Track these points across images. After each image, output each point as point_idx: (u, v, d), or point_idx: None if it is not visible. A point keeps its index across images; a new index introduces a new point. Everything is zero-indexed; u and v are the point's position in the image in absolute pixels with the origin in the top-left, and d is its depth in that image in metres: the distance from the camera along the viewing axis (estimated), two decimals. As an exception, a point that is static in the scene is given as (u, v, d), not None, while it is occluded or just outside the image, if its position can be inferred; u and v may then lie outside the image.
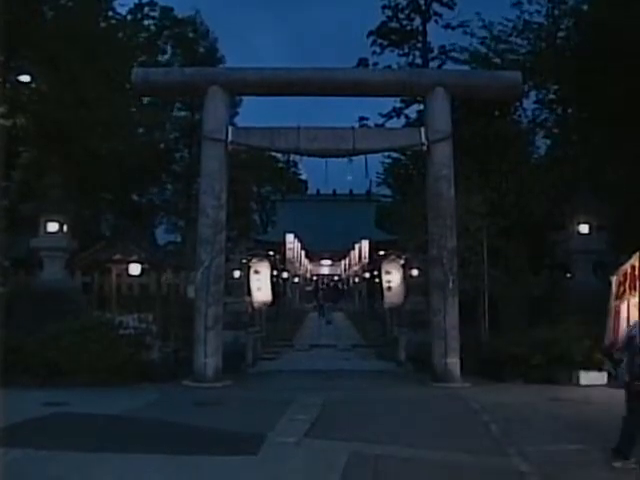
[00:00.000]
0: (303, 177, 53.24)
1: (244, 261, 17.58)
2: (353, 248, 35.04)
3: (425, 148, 12.03)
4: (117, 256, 15.31)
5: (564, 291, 13.49)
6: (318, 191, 46.21)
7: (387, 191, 37.05)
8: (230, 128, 12.20)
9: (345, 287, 43.11)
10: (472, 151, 17.39)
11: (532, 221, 17.02)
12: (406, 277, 17.07)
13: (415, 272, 16.85)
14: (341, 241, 36.98)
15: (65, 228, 13.96)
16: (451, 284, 11.47)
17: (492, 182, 16.54)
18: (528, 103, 20.63)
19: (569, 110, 20.57)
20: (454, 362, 11.36)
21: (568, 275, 14.50)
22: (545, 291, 14.00)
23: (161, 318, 13.23)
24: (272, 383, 12.06)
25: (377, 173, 34.05)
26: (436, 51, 24.55)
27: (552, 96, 20.67)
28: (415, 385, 11.44)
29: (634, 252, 7.39)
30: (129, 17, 25.46)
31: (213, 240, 11.66)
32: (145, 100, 21.74)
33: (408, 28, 25.16)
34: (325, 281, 46.32)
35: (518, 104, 19.89)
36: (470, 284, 12.83)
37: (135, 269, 15.09)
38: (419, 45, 24.92)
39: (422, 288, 15.48)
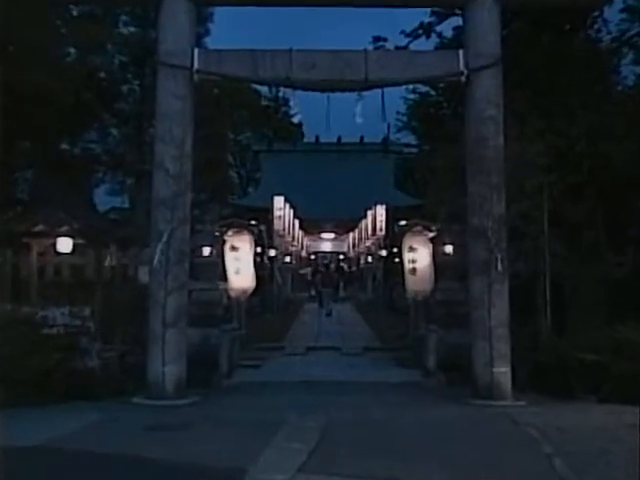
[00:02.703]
0: (297, 120, 52.79)
1: (217, 234, 17.46)
2: (365, 216, 34.97)
3: (464, 78, 11.99)
4: (39, 227, 15.09)
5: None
6: (317, 139, 45.94)
7: (411, 138, 36.75)
8: (197, 51, 12.15)
9: (353, 269, 43.14)
10: (530, 82, 17.09)
11: (613, 177, 16.77)
12: (436, 256, 16.95)
13: (449, 249, 16.71)
14: (348, 207, 36.90)
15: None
16: (499, 265, 11.47)
17: (557, 124, 16.23)
18: (612, 12, 20.08)
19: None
20: (503, 372, 11.38)
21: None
22: (630, 274, 13.93)
23: (102, 312, 13.18)
24: (255, 399, 12.08)
25: (397, 114, 33.73)
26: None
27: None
28: (449, 403, 11.44)
29: None
30: None
31: (174, 204, 11.67)
32: (77, 11, 21.31)
33: None
34: (327, 261, 46.38)
35: (598, 14, 19.39)
36: (525, 265, 12.80)
37: (65, 245, 14.90)
38: None
39: (458, 270, 15.36)
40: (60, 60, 21.22)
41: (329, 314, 27.96)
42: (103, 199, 29.34)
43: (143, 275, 14.26)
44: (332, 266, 42.57)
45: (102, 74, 26.63)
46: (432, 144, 25.51)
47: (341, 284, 36.63)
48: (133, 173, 27.02)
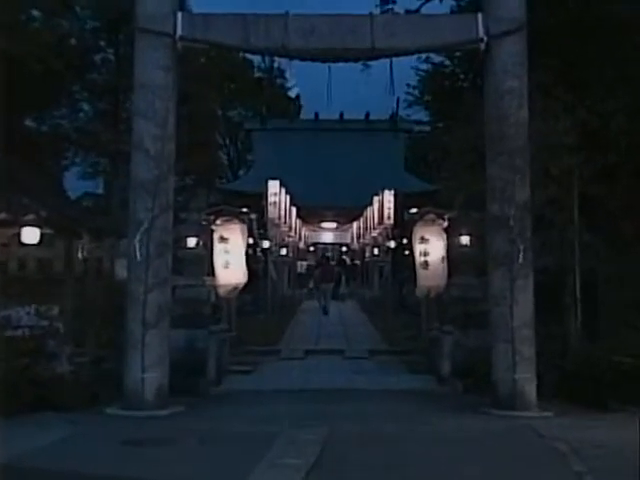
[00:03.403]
0: (294, 94, 52.85)
1: (204, 223, 17.44)
2: (370, 204, 34.86)
3: (483, 46, 11.94)
4: (1, 215, 15.09)
5: None
6: (317, 115, 45.83)
7: (423, 115, 36.76)
8: (180, 15, 12.08)
9: (357, 262, 43.11)
10: (558, 50, 17.00)
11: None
12: (451, 247, 16.95)
13: (465, 240, 16.70)
14: (352, 193, 36.80)
15: None
16: (522, 258, 11.46)
17: (589, 97, 16.14)
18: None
19: None
20: (527, 378, 11.37)
21: None
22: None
23: (73, 311, 13.15)
24: (247, 409, 12.09)
25: (408, 87, 33.70)
26: None
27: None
28: (465, 414, 11.43)
29: None
30: None
31: (155, 190, 11.65)
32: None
33: None
34: (329, 253, 46.33)
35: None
36: (552, 258, 12.76)
37: (31, 235, 14.88)
38: None
39: (476, 264, 15.41)
40: (24, 25, 21.14)
41: (326, 313, 28.10)
42: (74, 184, 29.42)
43: (120, 269, 14.25)
44: (330, 258, 42.53)
45: (72, 41, 26.50)
46: (447, 121, 25.49)
47: (343, 279, 36.56)
48: (108, 154, 26.95)
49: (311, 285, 34.67)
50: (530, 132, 11.81)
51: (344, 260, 44.32)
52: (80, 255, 17.14)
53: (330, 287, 31.06)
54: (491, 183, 11.81)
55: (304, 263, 42.65)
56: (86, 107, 28.50)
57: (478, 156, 12.51)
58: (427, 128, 37.96)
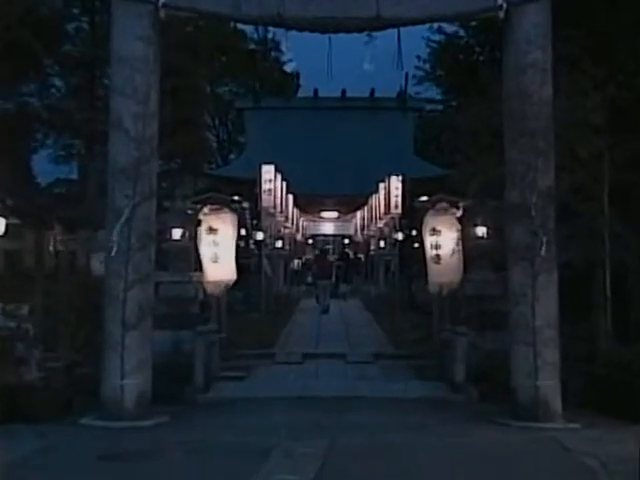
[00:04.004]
0: (291, 68, 52.68)
1: (190, 212, 17.42)
2: (376, 191, 34.81)
3: (502, 15, 11.92)
4: (-39, 204, 15.06)
5: None
6: (316, 92, 45.72)
7: (434, 92, 36.63)
8: None
9: (361, 256, 43.10)
10: (585, 18, 16.91)
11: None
12: (466, 239, 16.94)
13: (481, 231, 16.69)
14: (355, 179, 36.77)
15: None
16: (544, 251, 11.47)
17: (620, 71, 16.11)
18: None
19: None
20: (551, 385, 11.39)
21: None
22: None
23: (44, 311, 13.12)
24: (238, 419, 12.10)
25: (418, 60, 33.61)
26: None
27: None
28: (481, 425, 11.45)
29: None
30: None
31: (136, 175, 11.65)
32: None
33: None
34: (329, 246, 46.32)
35: None
36: (579, 251, 12.74)
37: (-5, 226, 14.86)
38: None
39: (494, 258, 15.44)
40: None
41: (325, 311, 28.15)
42: (45, 168, 29.29)
43: (97, 264, 14.22)
44: (329, 251, 42.49)
45: (42, 9, 26.38)
46: (461, 99, 25.43)
47: (340, 275, 36.46)
48: (83, 135, 26.87)
49: (309, 281, 34.68)
50: (554, 110, 11.78)
51: (347, 254, 44.28)
52: (52, 248, 17.11)
53: (329, 284, 31.04)
54: (510, 167, 11.81)
55: (297, 259, 42.45)
56: (58, 82, 28.35)
57: (496, 137, 12.49)
58: (439, 106, 37.84)
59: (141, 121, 11.73)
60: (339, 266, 35.56)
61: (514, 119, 11.79)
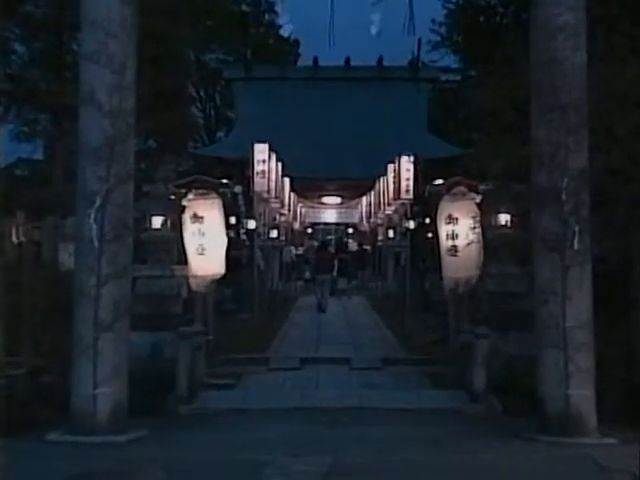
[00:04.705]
0: (287, 33, 52.67)
1: (173, 197, 17.42)
2: (384, 173, 34.78)
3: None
4: None
5: None
6: (316, 61, 45.81)
7: (451, 61, 36.75)
8: None
9: (367, 247, 43.10)
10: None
11: None
12: (486, 229, 16.95)
13: (504, 219, 16.71)
14: (360, 160, 36.82)
15: None
16: (576, 242, 11.46)
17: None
18: None
19: None
20: (584, 395, 11.36)
21: None
22: None
23: (4, 310, 13.08)
24: (227, 433, 12.12)
25: (433, 24, 33.66)
26: None
27: None
28: (505, 440, 11.44)
29: None
30: None
31: (110, 155, 11.61)
32: None
33: None
34: (330, 237, 46.35)
35: None
36: (616, 242, 12.71)
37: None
38: None
39: (518, 250, 15.49)
40: None
41: (323, 310, 28.49)
42: (5, 147, 29.23)
43: (65, 257, 14.19)
44: (329, 242, 42.47)
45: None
46: (481, 68, 25.40)
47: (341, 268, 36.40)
48: (50, 109, 26.81)
49: (307, 276, 34.72)
50: (589, 81, 11.73)
51: (345, 244, 44.25)
52: (13, 238, 17.05)
53: (328, 279, 31.08)
54: (538, 146, 11.77)
55: (292, 249, 42.26)
56: (20, 49, 28.30)
57: (521, 112, 12.45)
58: (456, 77, 37.89)
59: (116, 94, 11.66)
60: (341, 259, 35.48)
61: (542, 91, 11.73)
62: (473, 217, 17.14)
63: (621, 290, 12.91)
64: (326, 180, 42.02)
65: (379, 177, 35.57)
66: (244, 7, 46.31)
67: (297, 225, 43.32)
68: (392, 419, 12.96)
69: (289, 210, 37.10)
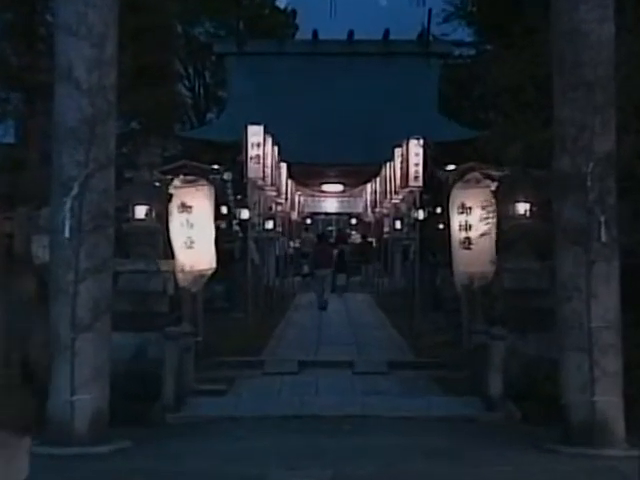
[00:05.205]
0: (284, 3, 52.59)
1: (158, 184, 17.41)
2: (391, 158, 34.78)
3: None
4: None
5: None
6: (316, 34, 45.76)
7: (464, 33, 36.69)
8: None
9: (372, 240, 43.14)
10: None
11: None
12: (503, 219, 16.93)
13: (523, 208, 16.70)
14: (364, 143, 36.80)
15: None
16: (603, 233, 11.45)
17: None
18: None
19: None
20: (611, 402, 11.38)
21: None
22: None
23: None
24: (218, 444, 12.12)
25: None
26: None
27: None
28: (524, 451, 11.42)
29: None
30: None
31: (89, 137, 11.63)
32: None
33: None
34: (330, 228, 46.38)
35: None
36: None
37: None
38: None
39: (538, 243, 15.50)
40: None
41: (324, 307, 28.70)
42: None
43: (40, 250, 14.16)
44: (328, 234, 42.55)
45: None
46: (499, 41, 25.37)
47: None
48: (22, 87, 26.78)
49: (306, 271, 34.73)
50: (617, 55, 11.71)
51: (345, 236, 44.25)
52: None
53: (328, 274, 31.11)
54: (560, 128, 11.77)
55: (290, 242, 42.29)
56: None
57: (542, 90, 12.43)
58: (471, 51, 37.84)
59: (96, 69, 11.65)
60: (339, 252, 35.49)
61: (565, 66, 11.72)
62: (488, 206, 17.06)
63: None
64: (327, 166, 42.01)
65: (385, 162, 35.53)
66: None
67: (295, 215, 43.32)
68: (398, 428, 12.95)
69: (286, 199, 37.06)
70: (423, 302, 25.58)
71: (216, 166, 21.77)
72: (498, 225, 16.83)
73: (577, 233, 11.50)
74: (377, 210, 40.66)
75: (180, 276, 16.87)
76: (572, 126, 11.59)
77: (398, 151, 32.60)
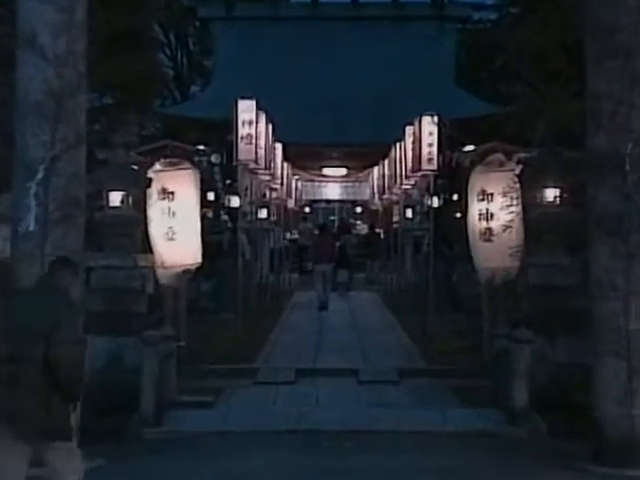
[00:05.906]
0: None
1: (136, 167, 17.41)
2: (401, 138, 34.83)
3: None
4: None
5: None
6: (315, -4, 45.77)
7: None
8: None
9: (380, 231, 43.20)
10: None
11: None
12: (529, 207, 16.95)
13: (551, 194, 16.71)
14: (371, 121, 36.85)
15: None
16: (645, 225, 11.51)
17: None
18: None
19: None
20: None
21: None
22: None
23: None
24: (202, 462, 12.18)
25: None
26: None
27: None
28: (553, 471, 11.48)
29: None
30: None
31: (56, 113, 11.67)
32: None
33: None
34: (333, 217, 46.44)
35: None
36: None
37: None
38: None
39: (568, 234, 15.57)
40: None
41: (324, 307, 28.92)
42: None
43: (0, 242, 14.16)
44: (329, 225, 42.64)
45: None
46: (524, 3, 25.39)
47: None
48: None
49: (309, 268, 34.76)
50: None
51: (348, 226, 44.28)
52: None
53: (329, 270, 31.15)
54: (594, 102, 11.80)
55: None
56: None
57: (573, 59, 12.42)
58: (492, 15, 37.83)
59: (64, 35, 11.64)
60: (341, 245, 35.52)
61: (600, 31, 11.73)
62: (512, 192, 17.10)
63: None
64: (328, 146, 42.02)
65: (394, 143, 35.59)
66: None
67: (292, 203, 43.32)
68: (409, 445, 12.96)
69: (282, 184, 37.00)
70: (437, 301, 25.58)
71: (202, 147, 21.77)
72: (523, 214, 16.88)
73: (614, 222, 11.51)
74: (385, 197, 40.63)
75: (161, 272, 16.88)
76: (608, 100, 11.60)
77: (409, 129, 32.59)
